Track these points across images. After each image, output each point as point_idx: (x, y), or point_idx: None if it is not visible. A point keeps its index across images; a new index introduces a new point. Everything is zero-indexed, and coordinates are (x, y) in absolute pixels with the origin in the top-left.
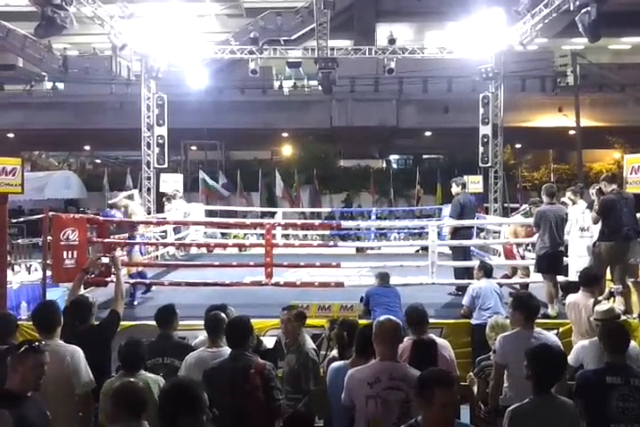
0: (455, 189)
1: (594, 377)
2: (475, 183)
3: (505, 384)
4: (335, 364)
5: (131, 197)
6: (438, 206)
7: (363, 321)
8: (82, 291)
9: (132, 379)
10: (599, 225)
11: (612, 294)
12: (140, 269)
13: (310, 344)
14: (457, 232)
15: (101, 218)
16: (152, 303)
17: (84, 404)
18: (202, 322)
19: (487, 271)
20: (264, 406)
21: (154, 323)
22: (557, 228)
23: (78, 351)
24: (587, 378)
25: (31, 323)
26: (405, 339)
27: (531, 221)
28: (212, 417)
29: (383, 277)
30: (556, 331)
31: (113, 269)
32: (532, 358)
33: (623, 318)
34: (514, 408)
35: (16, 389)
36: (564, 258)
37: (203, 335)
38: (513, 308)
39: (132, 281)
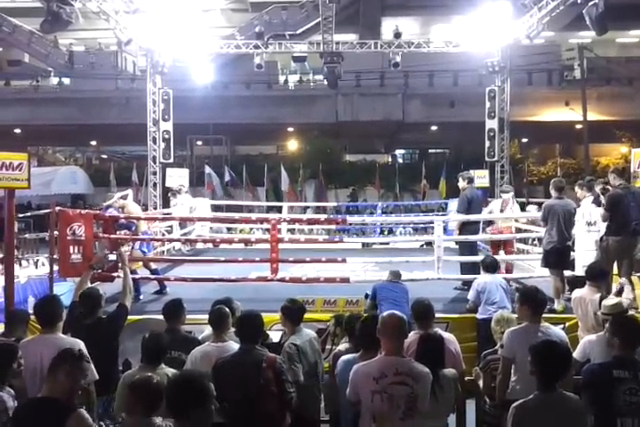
0: (462, 183)
1: (601, 371)
2: (481, 178)
3: (512, 378)
4: (345, 357)
5: (125, 198)
6: (444, 201)
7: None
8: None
9: (149, 373)
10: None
11: (620, 291)
12: (154, 267)
13: (295, 339)
14: (464, 227)
15: (107, 214)
16: (158, 298)
17: (85, 396)
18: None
19: (492, 266)
20: (277, 399)
21: (161, 317)
22: (565, 222)
23: (79, 344)
24: (593, 372)
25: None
26: (412, 333)
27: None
28: (220, 409)
29: (395, 275)
30: (562, 326)
31: (120, 265)
32: (536, 355)
33: (631, 312)
34: (518, 404)
35: None
36: (571, 253)
37: (208, 330)
38: (520, 302)
39: (137, 277)
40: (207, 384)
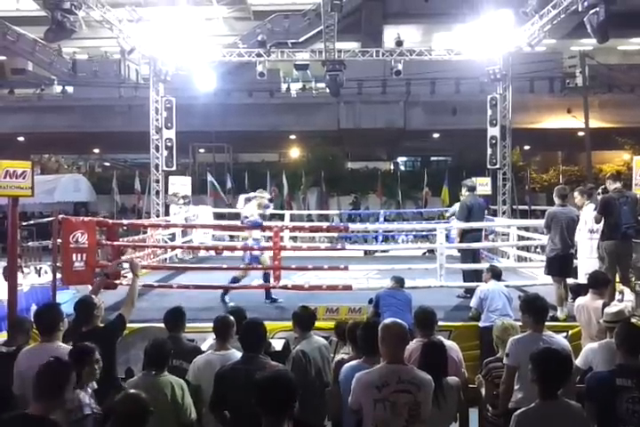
0: (463, 191)
1: (604, 379)
2: (483, 185)
3: (516, 387)
4: (349, 364)
5: (249, 200)
6: (446, 208)
7: None
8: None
9: (132, 391)
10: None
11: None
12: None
13: (304, 346)
14: (465, 235)
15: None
16: (160, 306)
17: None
18: (210, 324)
19: (496, 274)
20: None
21: (162, 325)
22: (568, 230)
23: None
24: (596, 380)
25: None
26: (414, 341)
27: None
28: (222, 416)
29: (398, 281)
30: (565, 334)
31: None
32: (537, 362)
33: (633, 320)
34: (520, 413)
35: None
36: (574, 260)
37: (211, 338)
38: (522, 311)
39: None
40: (295, 382)
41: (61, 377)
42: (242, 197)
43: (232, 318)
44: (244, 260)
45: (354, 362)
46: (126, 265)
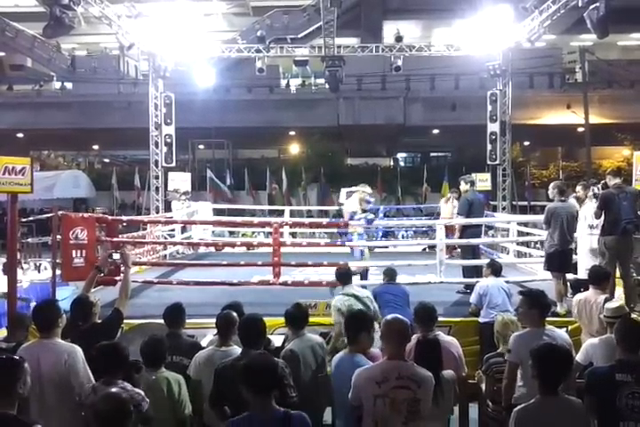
0: (464, 186)
1: (603, 374)
2: (483, 181)
3: (519, 383)
4: (336, 356)
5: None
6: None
7: None
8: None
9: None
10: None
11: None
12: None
13: (295, 344)
14: (466, 230)
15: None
16: (160, 302)
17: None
18: (210, 320)
19: (496, 269)
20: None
21: (161, 321)
22: (568, 225)
23: (76, 350)
24: (596, 375)
25: None
26: (414, 337)
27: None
28: (221, 412)
29: (389, 275)
30: (565, 329)
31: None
32: (537, 358)
33: (633, 315)
34: (520, 408)
35: None
36: (574, 256)
37: (211, 334)
38: (528, 306)
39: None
40: (280, 366)
41: (12, 374)
42: (343, 191)
43: (235, 314)
44: (354, 255)
45: (341, 353)
46: (117, 256)
